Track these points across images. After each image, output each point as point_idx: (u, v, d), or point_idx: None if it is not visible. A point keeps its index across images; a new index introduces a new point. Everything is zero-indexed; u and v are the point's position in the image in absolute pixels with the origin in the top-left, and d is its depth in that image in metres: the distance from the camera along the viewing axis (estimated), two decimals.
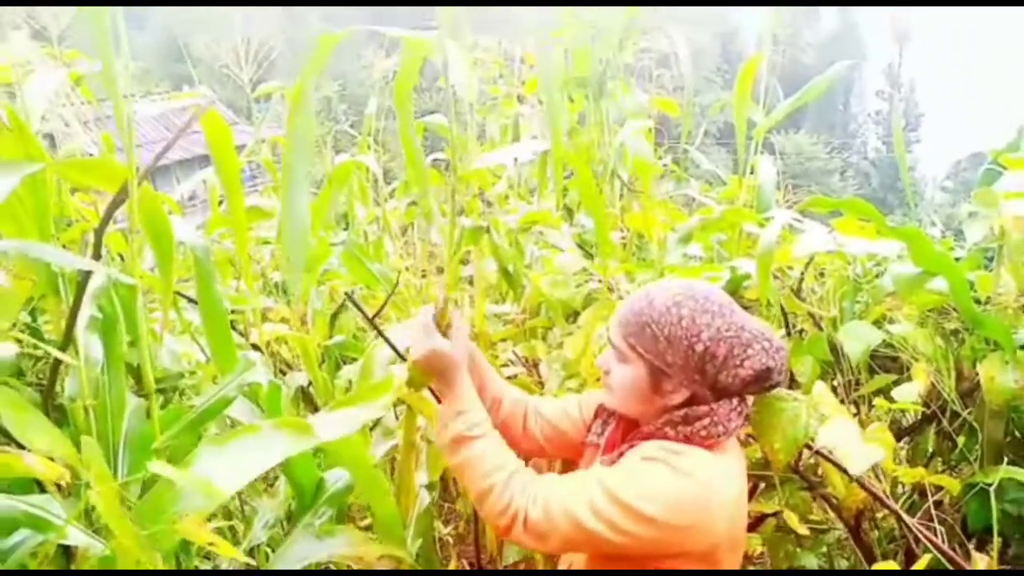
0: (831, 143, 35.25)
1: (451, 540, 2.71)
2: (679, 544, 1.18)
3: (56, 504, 1.13)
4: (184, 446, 1.09)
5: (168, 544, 0.83)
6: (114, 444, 1.45)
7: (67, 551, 1.36)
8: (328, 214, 2.40)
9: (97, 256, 1.12)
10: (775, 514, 1.70)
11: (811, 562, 2.11)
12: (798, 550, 2.03)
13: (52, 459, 0.96)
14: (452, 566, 1.97)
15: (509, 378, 2.04)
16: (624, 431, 1.38)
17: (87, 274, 1.26)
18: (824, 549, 2.12)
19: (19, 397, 1.00)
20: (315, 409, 2.04)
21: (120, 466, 1.46)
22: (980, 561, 1.29)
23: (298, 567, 1.05)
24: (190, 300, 2.12)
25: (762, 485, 1.80)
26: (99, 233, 1.12)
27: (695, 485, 1.18)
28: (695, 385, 1.23)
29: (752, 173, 2.75)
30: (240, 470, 0.87)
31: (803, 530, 1.58)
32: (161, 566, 0.79)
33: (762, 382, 1.23)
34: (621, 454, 1.27)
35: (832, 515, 1.93)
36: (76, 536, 1.08)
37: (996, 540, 1.41)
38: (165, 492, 0.84)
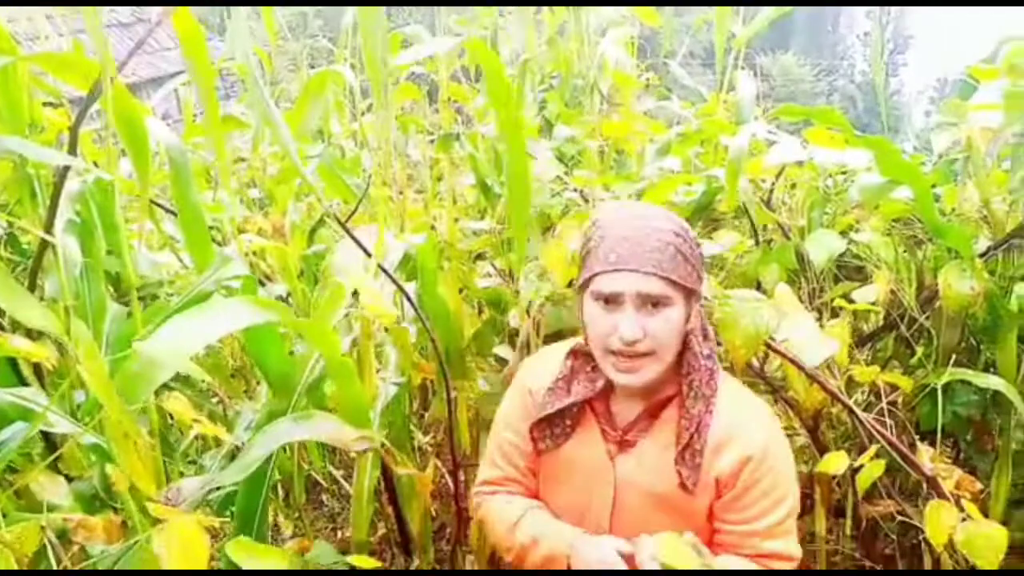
0: (819, 65, 34.77)
1: (430, 448, 2.81)
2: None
3: (40, 395, 1.17)
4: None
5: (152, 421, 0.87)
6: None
7: (52, 448, 1.41)
8: (303, 126, 2.38)
9: (72, 153, 1.13)
10: None
11: None
12: None
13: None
14: (429, 471, 2.05)
15: (486, 289, 2.08)
16: (597, 412, 1.28)
17: (63, 176, 1.27)
18: None
19: (6, 275, 1.02)
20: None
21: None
22: (925, 454, 1.37)
23: (275, 447, 1.09)
24: (167, 210, 2.13)
25: None
26: (74, 131, 1.12)
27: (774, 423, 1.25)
28: (699, 290, 1.21)
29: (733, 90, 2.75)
30: (209, 333, 0.91)
31: None
32: (147, 440, 0.84)
33: None
34: (696, 461, 1.19)
35: (795, 422, 2.02)
36: (59, 423, 1.12)
37: (939, 436, 1.49)
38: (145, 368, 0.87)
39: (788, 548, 1.20)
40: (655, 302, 1.13)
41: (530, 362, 1.43)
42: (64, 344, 1.30)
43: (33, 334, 1.22)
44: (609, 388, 1.25)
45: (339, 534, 3.01)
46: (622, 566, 1.16)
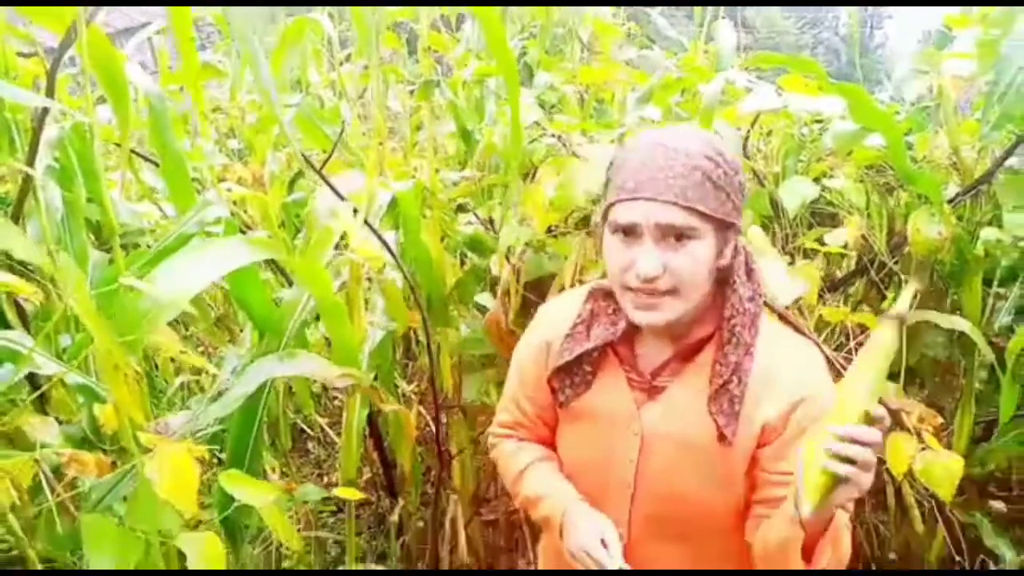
0: (804, 18, 34.48)
1: (414, 396, 2.86)
2: None
3: (26, 336, 1.19)
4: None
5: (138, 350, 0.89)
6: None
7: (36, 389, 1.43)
8: (281, 75, 2.37)
9: (51, 92, 1.13)
10: None
11: None
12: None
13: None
14: (413, 417, 2.09)
15: (467, 235, 2.10)
16: (620, 356, 1.17)
17: (41, 120, 1.27)
18: None
19: None
20: (275, 266, 2.10)
21: None
22: (890, 389, 1.43)
23: (259, 382, 1.12)
24: (146, 159, 2.12)
25: None
26: (51, 75, 1.12)
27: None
28: (738, 224, 1.08)
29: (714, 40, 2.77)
30: (207, 274, 0.93)
31: None
32: (136, 371, 0.86)
33: None
34: (732, 399, 1.07)
35: None
36: (46, 365, 1.14)
37: (903, 373, 1.55)
38: (135, 302, 0.90)
39: None
40: (678, 235, 1.01)
41: (547, 308, 1.31)
42: (47, 287, 1.33)
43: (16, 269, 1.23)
44: (633, 330, 1.15)
45: (325, 479, 3.07)
46: (599, 555, 1.10)
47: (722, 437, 1.06)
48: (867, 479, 0.87)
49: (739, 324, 1.07)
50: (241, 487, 0.91)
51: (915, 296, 0.93)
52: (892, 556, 2.34)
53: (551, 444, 1.29)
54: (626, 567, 1.08)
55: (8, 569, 1.14)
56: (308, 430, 3.32)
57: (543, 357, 1.21)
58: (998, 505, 2.48)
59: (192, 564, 0.81)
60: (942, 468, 1.29)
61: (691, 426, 1.10)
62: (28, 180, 1.30)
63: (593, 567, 1.10)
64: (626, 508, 1.17)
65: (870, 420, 0.86)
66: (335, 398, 3.35)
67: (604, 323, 1.16)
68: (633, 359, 1.16)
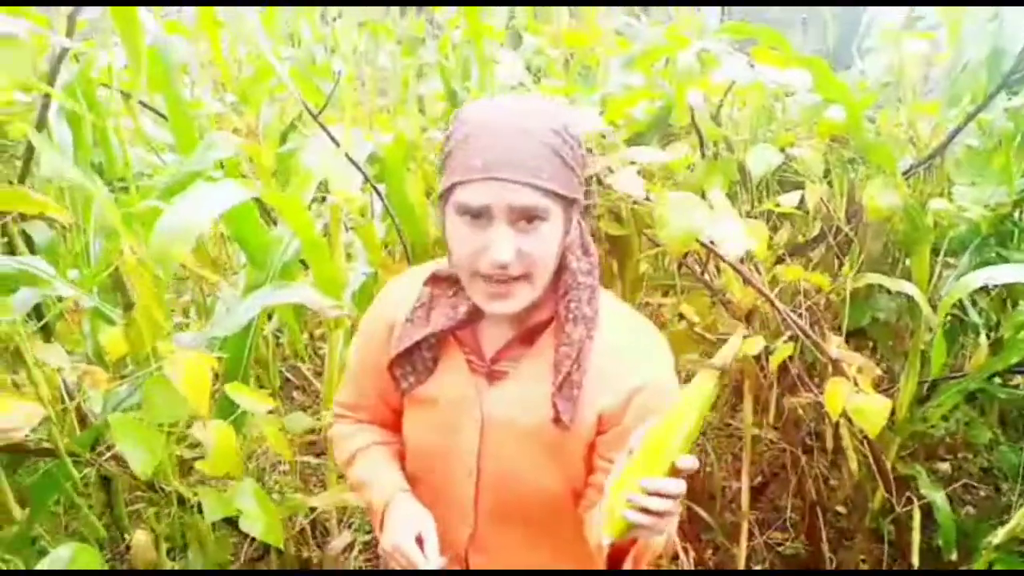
0: None
1: None
2: None
3: (44, 263, 1.29)
4: (156, 214, 1.22)
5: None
6: (86, 228, 1.59)
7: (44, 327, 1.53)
8: (275, 29, 2.44)
9: (70, 34, 1.22)
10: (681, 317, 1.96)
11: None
12: (704, 359, 2.32)
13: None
14: None
15: None
16: (462, 340, 1.12)
17: (59, 61, 1.35)
18: None
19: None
20: (268, 216, 2.19)
21: (92, 246, 1.62)
22: (833, 341, 1.57)
23: (256, 312, 1.22)
24: (147, 107, 2.20)
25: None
26: (71, 18, 1.20)
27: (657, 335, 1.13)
28: (581, 200, 1.05)
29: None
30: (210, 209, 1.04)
31: (696, 318, 1.84)
32: (159, 276, 0.97)
33: None
34: (571, 381, 1.04)
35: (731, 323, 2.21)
36: (63, 289, 1.24)
37: (845, 330, 1.68)
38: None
39: None
40: (530, 217, 0.95)
41: (392, 287, 1.23)
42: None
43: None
44: (475, 314, 1.08)
45: None
46: (414, 556, 1.05)
47: (558, 421, 1.05)
48: (665, 523, 0.87)
49: (574, 299, 1.05)
50: (243, 395, 1.02)
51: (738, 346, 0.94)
52: (840, 508, 2.51)
53: (393, 426, 1.24)
54: (442, 563, 1.05)
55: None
56: (293, 379, 3.43)
57: (385, 339, 1.16)
58: (944, 466, 2.67)
59: (208, 452, 0.93)
60: (871, 409, 1.43)
61: (530, 411, 1.07)
62: (44, 116, 1.38)
63: (406, 566, 1.07)
64: (472, 495, 1.14)
65: (676, 472, 0.85)
66: (320, 348, 3.46)
67: (444, 307, 1.11)
68: (475, 343, 1.12)
